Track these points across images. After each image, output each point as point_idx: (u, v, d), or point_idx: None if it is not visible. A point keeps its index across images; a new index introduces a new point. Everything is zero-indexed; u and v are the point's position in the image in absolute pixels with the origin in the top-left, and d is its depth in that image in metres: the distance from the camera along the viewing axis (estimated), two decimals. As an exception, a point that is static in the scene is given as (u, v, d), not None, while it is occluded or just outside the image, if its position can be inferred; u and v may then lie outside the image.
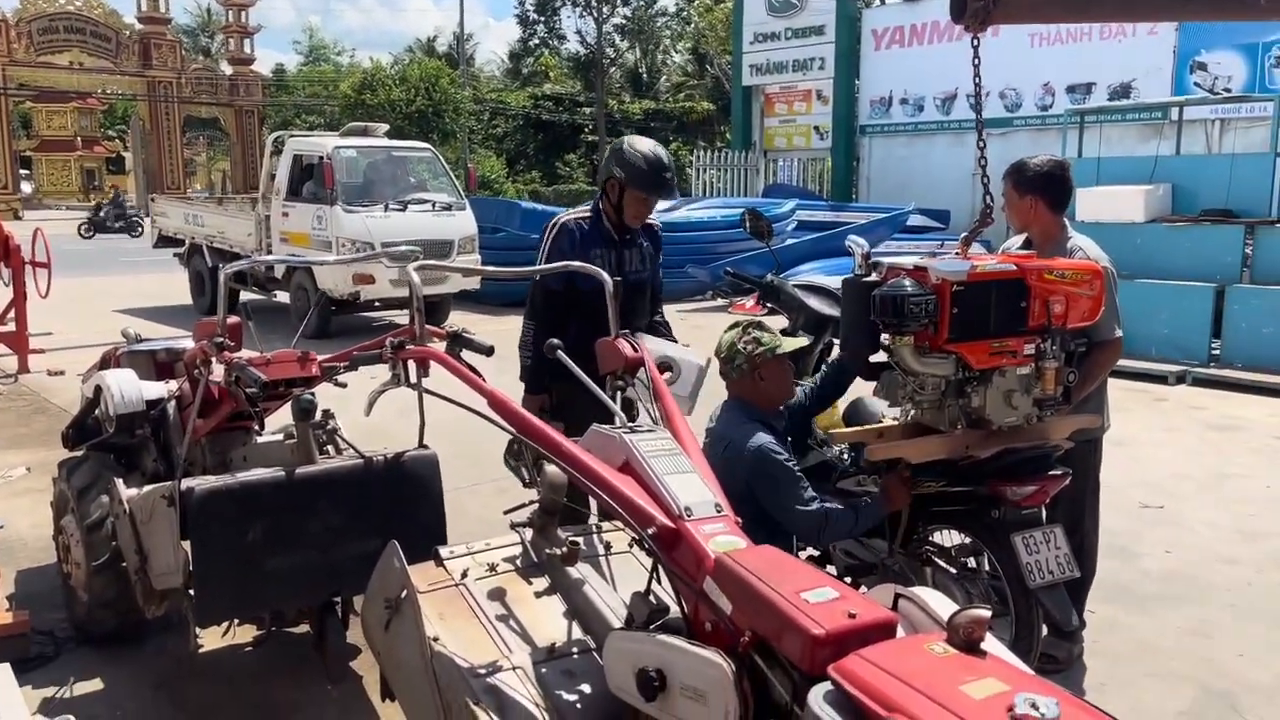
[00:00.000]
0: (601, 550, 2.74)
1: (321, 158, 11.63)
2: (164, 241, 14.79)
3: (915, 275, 2.94)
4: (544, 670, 2.30)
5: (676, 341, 3.97)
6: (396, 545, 2.51)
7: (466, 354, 2.86)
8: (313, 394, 3.30)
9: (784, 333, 3.48)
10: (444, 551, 2.67)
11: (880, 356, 3.16)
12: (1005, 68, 16.46)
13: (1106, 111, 14.56)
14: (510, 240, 13.53)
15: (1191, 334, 9.03)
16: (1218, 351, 9.00)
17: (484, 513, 4.65)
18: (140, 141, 40.97)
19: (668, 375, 2.81)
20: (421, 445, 3.49)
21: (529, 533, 2.74)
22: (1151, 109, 14.60)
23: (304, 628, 3.71)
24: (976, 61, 3.09)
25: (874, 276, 3.05)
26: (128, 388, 3.84)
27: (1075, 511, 3.66)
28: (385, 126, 13.76)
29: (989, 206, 3.12)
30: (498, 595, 2.53)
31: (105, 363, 4.35)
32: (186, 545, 3.15)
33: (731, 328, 3.32)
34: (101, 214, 29.83)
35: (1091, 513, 3.81)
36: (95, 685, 3.60)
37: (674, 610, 2.15)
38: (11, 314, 9.28)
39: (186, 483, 3.16)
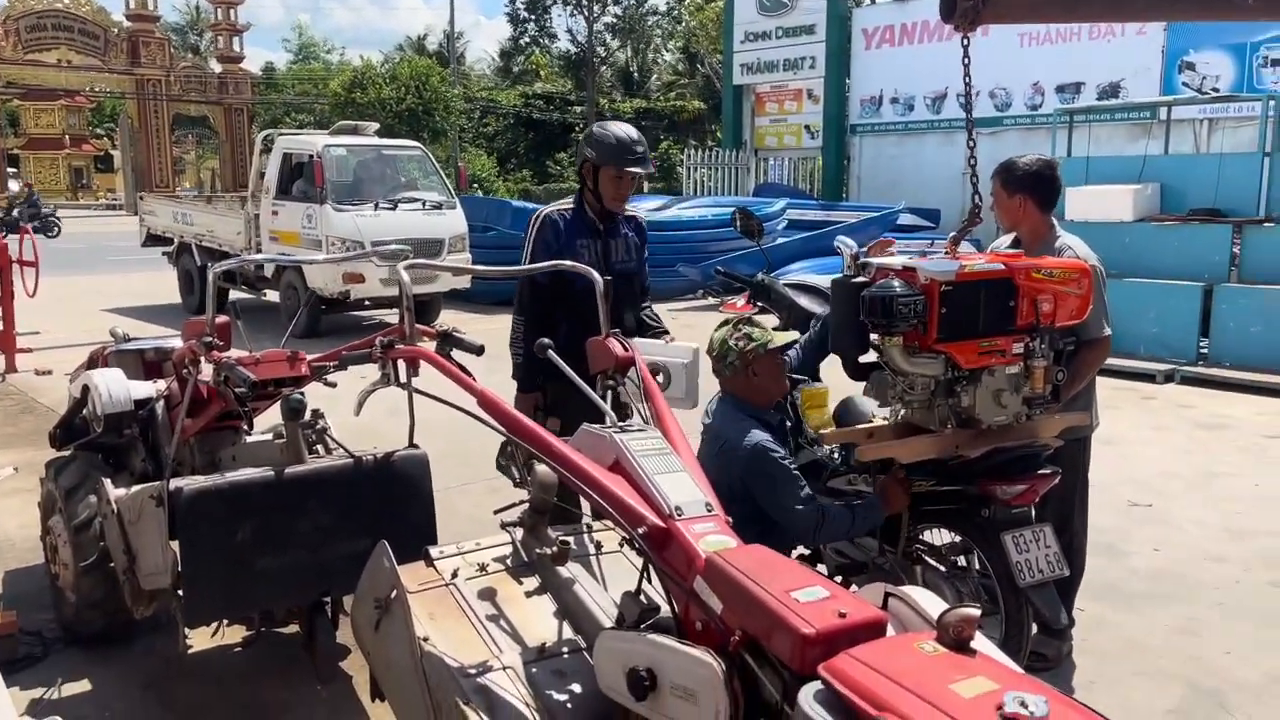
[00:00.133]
0: (592, 550, 2.74)
1: (311, 156, 11.60)
2: (152, 240, 14.73)
3: (904, 275, 2.95)
4: (534, 670, 2.29)
5: (667, 331, 3.96)
6: (386, 545, 2.51)
7: (457, 353, 2.86)
8: (302, 393, 3.29)
9: (775, 330, 3.49)
10: (434, 551, 2.66)
11: (870, 356, 3.17)
12: (995, 67, 16.53)
13: (1095, 111, 14.62)
14: (501, 239, 13.50)
15: (1180, 333, 9.08)
16: (1206, 350, 9.05)
17: (475, 512, 4.64)
18: (129, 139, 40.77)
19: (659, 379, 2.81)
20: (411, 445, 3.48)
21: (519, 532, 2.74)
22: (1140, 109, 14.67)
23: (293, 628, 3.70)
24: (966, 61, 3.09)
25: (863, 277, 3.06)
26: (116, 387, 3.82)
27: (1064, 510, 3.67)
28: (375, 125, 13.73)
29: (978, 206, 3.12)
30: (488, 595, 2.53)
31: (93, 362, 4.33)
32: (175, 545, 3.14)
33: (723, 325, 3.32)
34: (15, 213, 27.22)
35: (1081, 511, 3.82)
36: (83, 686, 3.58)
37: (664, 610, 2.15)
38: (-1, 313, 9.24)
39: (175, 483, 3.14)
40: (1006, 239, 3.75)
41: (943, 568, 3.41)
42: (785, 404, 3.47)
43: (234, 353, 3.34)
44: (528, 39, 49.86)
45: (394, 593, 2.42)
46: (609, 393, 2.78)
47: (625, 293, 3.83)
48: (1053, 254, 3.49)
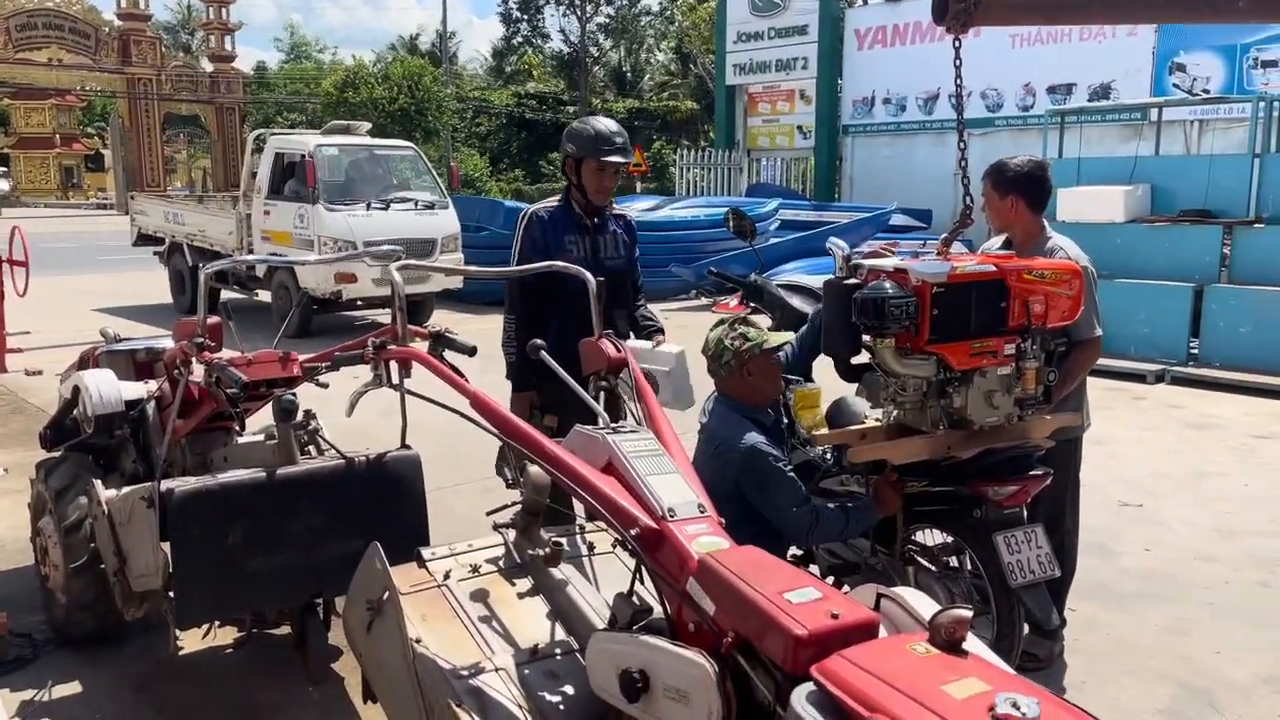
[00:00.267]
0: (585, 551, 2.74)
1: (303, 156, 11.57)
2: (143, 240, 14.67)
3: (895, 277, 2.95)
4: (527, 671, 2.30)
5: (662, 331, 3.96)
6: (378, 547, 2.50)
7: (449, 354, 2.85)
8: (294, 394, 3.28)
9: (769, 330, 3.49)
10: (426, 553, 2.66)
11: (862, 358, 3.18)
12: (987, 68, 16.55)
13: (1086, 112, 14.65)
14: (493, 239, 13.49)
15: (1170, 333, 9.11)
16: (1196, 351, 9.08)
17: (469, 513, 4.63)
18: (119, 139, 40.63)
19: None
20: (404, 446, 3.48)
21: (512, 534, 2.74)
22: (1131, 110, 14.70)
23: (285, 629, 3.68)
24: (958, 63, 3.11)
25: (855, 279, 3.06)
26: (106, 388, 3.81)
27: (1056, 510, 3.68)
28: (368, 125, 13.70)
29: (968, 207, 3.13)
30: (480, 596, 2.52)
31: (84, 362, 4.32)
32: (166, 547, 3.13)
33: (718, 324, 3.31)
34: None
35: (1072, 511, 3.84)
36: (74, 688, 3.57)
37: (657, 611, 2.15)
38: (-11, 313, 9.20)
39: (166, 484, 3.13)
40: (998, 240, 3.76)
41: (935, 568, 3.41)
42: (780, 404, 3.47)
43: (226, 353, 3.33)
44: (520, 39, 49.96)
45: (386, 594, 2.42)
46: (601, 394, 2.79)
47: (616, 292, 3.83)
48: (1044, 255, 3.50)
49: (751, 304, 4.38)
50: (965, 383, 3.03)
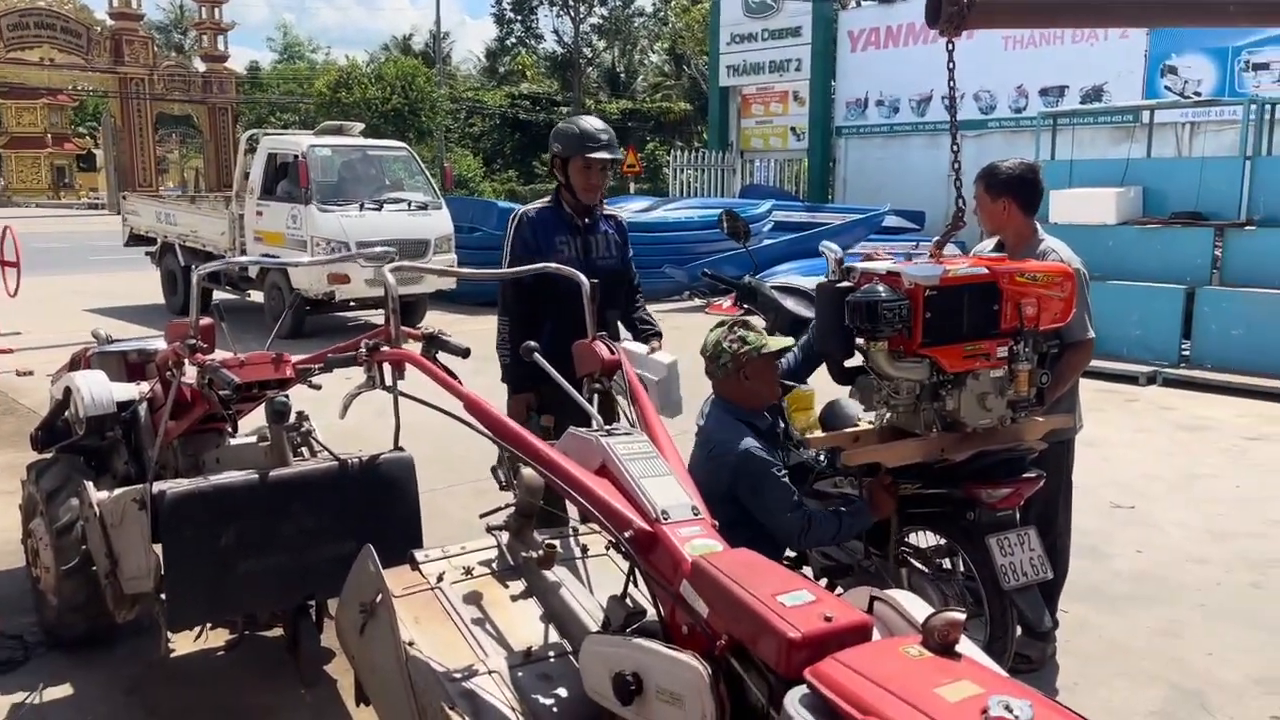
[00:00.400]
0: (578, 553, 2.74)
1: (296, 156, 11.55)
2: (135, 240, 14.64)
3: (888, 280, 2.96)
4: (520, 674, 2.29)
5: (660, 334, 3.96)
6: (371, 549, 2.50)
7: (443, 356, 2.85)
8: (287, 396, 3.28)
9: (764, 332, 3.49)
10: (419, 555, 2.66)
11: (855, 361, 3.18)
12: (979, 70, 16.59)
13: (1079, 114, 14.68)
14: (486, 239, 13.46)
15: (1162, 335, 9.14)
16: (1188, 352, 9.11)
17: (462, 515, 4.63)
18: (111, 138, 40.52)
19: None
20: (397, 448, 3.47)
21: (505, 536, 2.74)
22: (1123, 112, 14.75)
23: (277, 631, 3.68)
24: (951, 65, 3.10)
25: (848, 282, 3.06)
26: (98, 389, 3.80)
27: (1048, 512, 3.69)
28: (360, 125, 13.69)
29: (960, 210, 3.14)
30: (474, 599, 2.52)
31: (75, 364, 4.30)
32: (158, 549, 3.12)
33: (717, 326, 3.31)
34: None
35: (1064, 513, 3.85)
36: (65, 690, 3.55)
37: (650, 613, 2.15)
38: (-21, 313, 9.18)
39: (158, 486, 3.12)
40: (990, 242, 3.77)
41: (928, 570, 3.42)
42: (777, 408, 3.47)
43: (218, 354, 3.32)
44: (514, 39, 49.94)
45: (379, 596, 2.42)
46: (595, 395, 2.78)
47: (609, 293, 3.83)
48: (1036, 257, 3.51)
49: (745, 305, 4.38)
50: (958, 385, 3.04)
